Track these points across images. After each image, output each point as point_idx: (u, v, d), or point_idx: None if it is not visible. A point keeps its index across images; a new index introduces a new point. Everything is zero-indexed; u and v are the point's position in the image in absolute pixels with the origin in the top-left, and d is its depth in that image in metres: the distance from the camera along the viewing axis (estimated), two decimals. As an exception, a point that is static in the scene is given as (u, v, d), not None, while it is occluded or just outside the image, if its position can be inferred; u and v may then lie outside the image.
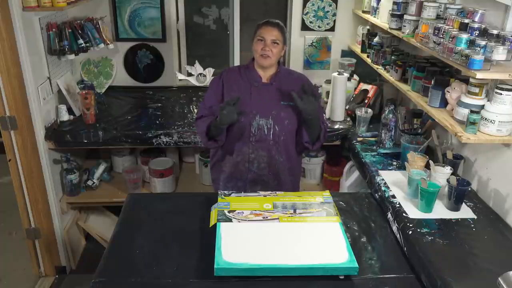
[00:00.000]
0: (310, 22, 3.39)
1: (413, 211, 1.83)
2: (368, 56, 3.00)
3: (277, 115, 2.05)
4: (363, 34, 3.12)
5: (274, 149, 2.09)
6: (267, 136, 2.07)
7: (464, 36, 1.76)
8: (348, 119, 2.87)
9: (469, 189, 1.90)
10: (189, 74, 3.51)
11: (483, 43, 1.70)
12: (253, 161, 2.10)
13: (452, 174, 1.89)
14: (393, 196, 1.95)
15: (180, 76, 3.49)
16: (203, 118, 2.09)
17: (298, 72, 2.25)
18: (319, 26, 3.41)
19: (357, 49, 3.24)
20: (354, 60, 3.35)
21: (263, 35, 1.99)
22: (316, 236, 1.64)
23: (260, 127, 2.05)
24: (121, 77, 3.47)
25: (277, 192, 1.91)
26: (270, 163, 2.11)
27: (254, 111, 2.04)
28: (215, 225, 1.67)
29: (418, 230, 1.71)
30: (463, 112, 1.85)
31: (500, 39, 1.71)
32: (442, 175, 1.88)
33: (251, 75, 2.09)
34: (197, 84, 3.51)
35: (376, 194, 2.08)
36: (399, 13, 2.42)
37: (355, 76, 3.21)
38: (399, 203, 1.89)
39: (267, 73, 2.09)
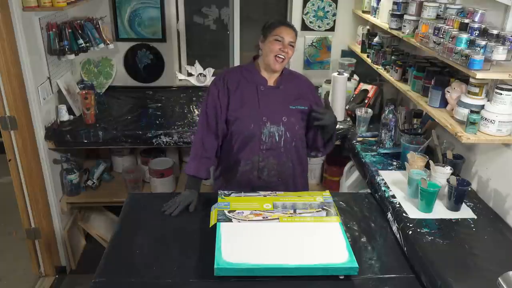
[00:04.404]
0: (310, 22, 3.39)
1: (413, 211, 1.83)
2: (368, 56, 3.00)
3: (288, 121, 1.93)
4: (363, 34, 3.12)
5: (285, 156, 1.97)
6: (278, 143, 1.94)
7: (464, 36, 1.76)
8: (348, 119, 2.87)
9: (469, 189, 1.89)
10: (189, 74, 3.52)
11: (483, 43, 1.70)
12: (262, 169, 1.97)
13: (452, 174, 1.89)
14: (393, 196, 1.95)
15: (180, 76, 3.50)
16: (196, 153, 2.00)
17: (298, 73, 2.15)
18: (319, 26, 3.41)
19: (357, 49, 3.24)
20: (354, 60, 3.35)
21: (282, 35, 1.84)
22: (316, 236, 1.63)
23: (271, 134, 1.92)
24: (121, 77, 3.47)
25: (277, 192, 1.91)
26: (281, 170, 1.99)
27: (264, 118, 1.91)
28: (215, 225, 1.67)
29: (418, 230, 1.71)
30: (463, 112, 1.85)
31: (500, 39, 1.71)
32: (442, 175, 1.88)
33: (256, 78, 1.95)
34: (197, 84, 3.51)
35: (376, 194, 2.08)
36: (399, 13, 2.42)
37: (355, 76, 3.20)
38: (399, 203, 1.89)
39: (273, 76, 1.96)
